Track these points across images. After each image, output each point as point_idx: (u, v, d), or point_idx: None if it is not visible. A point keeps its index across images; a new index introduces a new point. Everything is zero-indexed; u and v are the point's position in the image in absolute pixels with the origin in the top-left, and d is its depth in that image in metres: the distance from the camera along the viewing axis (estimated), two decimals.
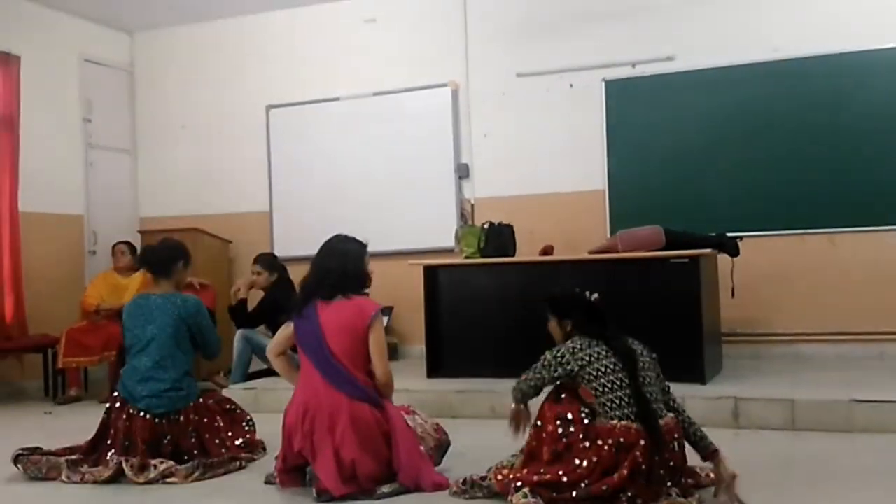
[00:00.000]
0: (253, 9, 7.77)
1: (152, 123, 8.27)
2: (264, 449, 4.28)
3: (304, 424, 3.51)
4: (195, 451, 4.03)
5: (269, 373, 5.65)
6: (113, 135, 8.06)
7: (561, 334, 3.44)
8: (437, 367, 5.66)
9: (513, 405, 3.43)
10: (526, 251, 6.00)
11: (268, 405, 5.40)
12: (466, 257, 5.92)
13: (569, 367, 3.22)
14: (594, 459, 3.07)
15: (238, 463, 4.07)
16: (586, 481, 3.05)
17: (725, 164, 6.43)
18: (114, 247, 6.98)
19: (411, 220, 7.19)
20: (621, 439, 3.05)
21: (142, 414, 3.98)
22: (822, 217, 6.19)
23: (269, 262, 6.50)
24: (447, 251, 6.53)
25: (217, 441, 4.12)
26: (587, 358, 3.21)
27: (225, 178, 7.94)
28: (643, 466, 3.02)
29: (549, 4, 7.00)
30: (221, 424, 4.21)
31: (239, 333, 6.21)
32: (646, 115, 6.67)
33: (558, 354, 3.27)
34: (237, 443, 4.23)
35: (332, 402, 3.50)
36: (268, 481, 3.78)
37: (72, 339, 6.38)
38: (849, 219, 6.14)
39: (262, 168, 7.81)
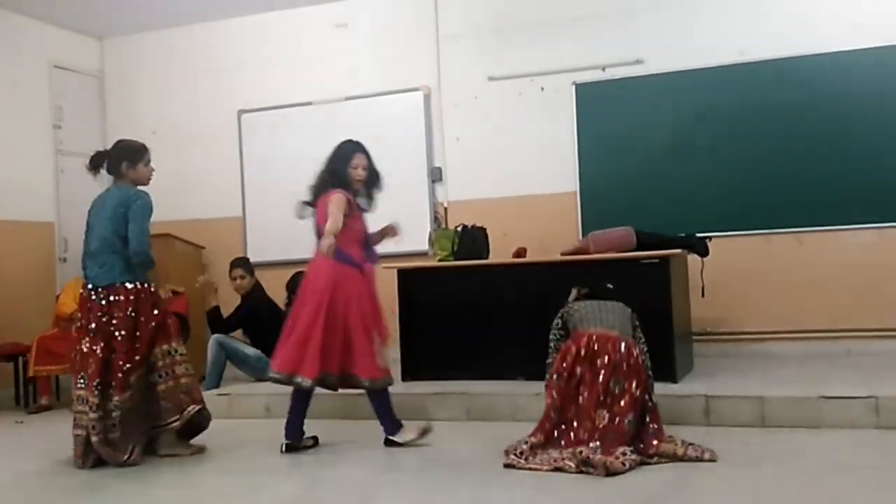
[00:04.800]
0: (223, 14, 7.74)
1: (123, 129, 8.13)
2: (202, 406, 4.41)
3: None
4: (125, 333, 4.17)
5: None
6: (83, 141, 7.93)
7: None
8: (411, 370, 5.67)
9: None
10: (499, 253, 6.04)
11: (242, 411, 5.41)
12: (440, 260, 5.95)
13: None
14: None
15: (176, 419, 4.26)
16: None
17: (694, 165, 6.51)
18: None
19: (385, 224, 7.18)
20: None
21: (91, 289, 4.25)
22: (789, 217, 6.29)
23: (249, 265, 6.52)
24: (421, 254, 6.56)
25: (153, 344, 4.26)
26: None
27: (197, 184, 7.89)
28: None
29: (519, 9, 7.05)
30: (174, 348, 4.35)
31: (213, 339, 6.20)
32: (616, 118, 6.73)
33: None
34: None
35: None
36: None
37: (43, 348, 6.31)
38: (815, 219, 6.24)
39: (234, 173, 7.78)
